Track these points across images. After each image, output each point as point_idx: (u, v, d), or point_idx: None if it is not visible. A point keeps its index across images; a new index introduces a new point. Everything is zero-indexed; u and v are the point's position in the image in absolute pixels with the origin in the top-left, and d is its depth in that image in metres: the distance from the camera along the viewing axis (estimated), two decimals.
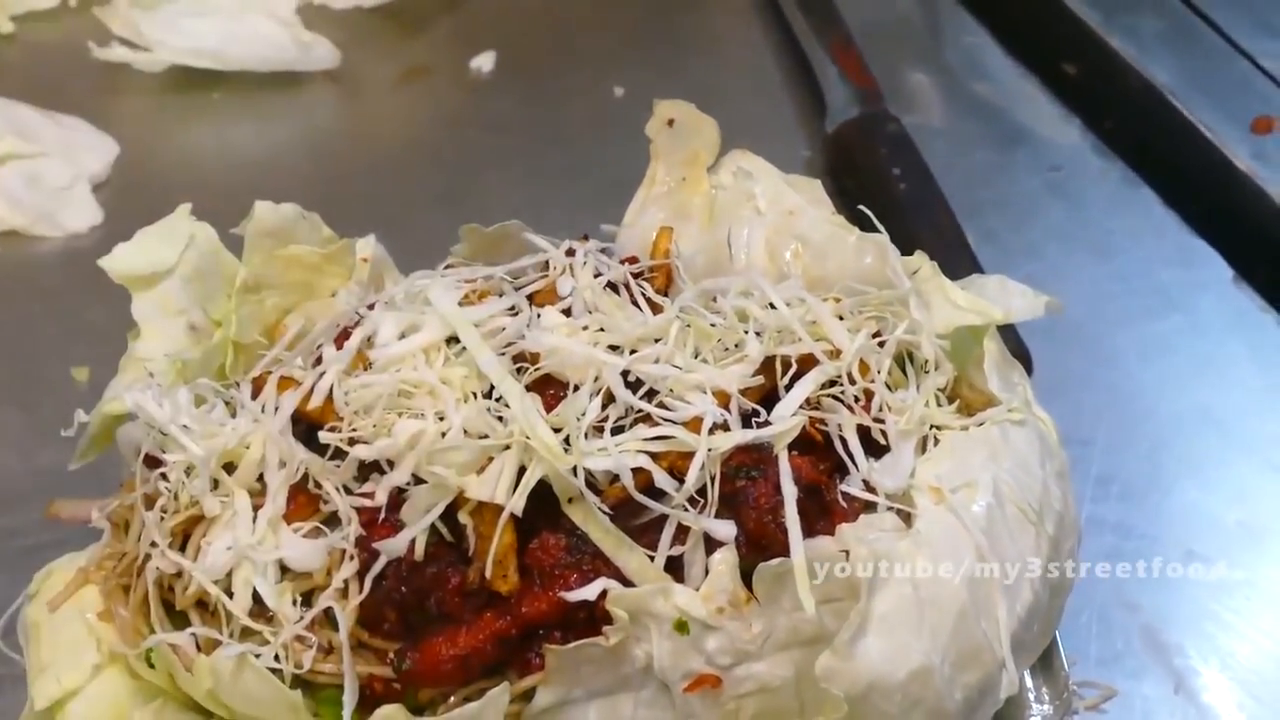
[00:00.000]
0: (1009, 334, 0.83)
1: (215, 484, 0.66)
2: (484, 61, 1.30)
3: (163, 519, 0.66)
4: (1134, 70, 1.18)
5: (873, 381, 0.67)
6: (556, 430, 0.62)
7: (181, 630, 0.64)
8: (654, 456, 0.62)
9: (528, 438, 0.62)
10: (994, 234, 1.06)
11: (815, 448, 0.65)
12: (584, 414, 0.63)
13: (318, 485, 0.65)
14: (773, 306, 0.69)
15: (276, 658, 0.62)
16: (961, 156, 1.15)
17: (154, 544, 0.65)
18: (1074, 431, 0.77)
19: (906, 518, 0.64)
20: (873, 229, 0.76)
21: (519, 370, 0.66)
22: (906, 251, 0.76)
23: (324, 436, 0.65)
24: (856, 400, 0.67)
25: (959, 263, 0.93)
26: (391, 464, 0.63)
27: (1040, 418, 0.73)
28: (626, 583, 0.61)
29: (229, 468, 0.66)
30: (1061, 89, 1.23)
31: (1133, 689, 0.79)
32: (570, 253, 0.73)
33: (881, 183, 1.04)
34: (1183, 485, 0.90)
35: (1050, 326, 0.79)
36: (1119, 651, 0.80)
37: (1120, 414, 0.95)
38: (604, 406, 0.64)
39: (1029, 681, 0.76)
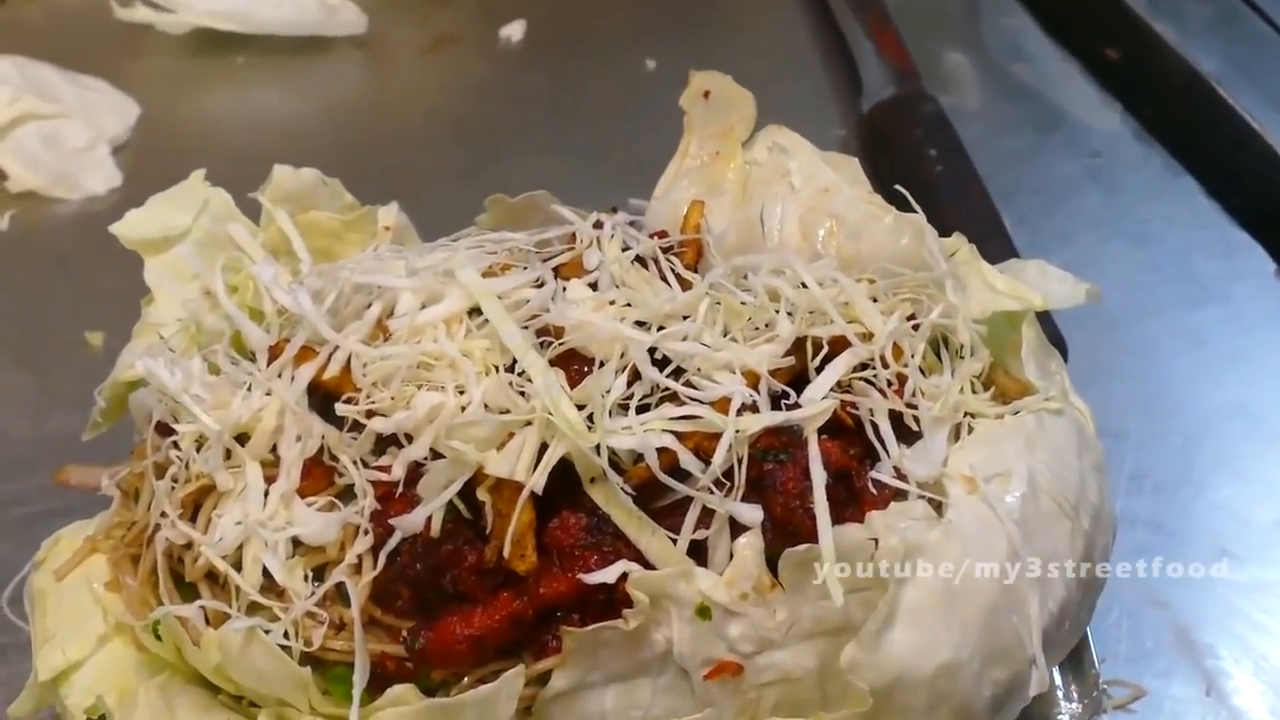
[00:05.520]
0: (1045, 321, 0.81)
1: (228, 453, 0.64)
2: (514, 30, 1.29)
3: (173, 488, 0.65)
4: (1178, 56, 1.15)
5: (906, 366, 0.66)
6: (580, 407, 0.61)
7: (190, 602, 0.63)
8: (680, 437, 0.61)
9: (550, 414, 0.60)
10: (1028, 218, 1.05)
11: (845, 432, 0.64)
12: (609, 391, 0.62)
13: (333, 458, 0.64)
14: (805, 286, 0.67)
15: (286, 634, 0.61)
16: (998, 139, 1.14)
17: (164, 514, 0.64)
18: (1106, 423, 0.75)
19: (938, 507, 0.62)
20: (909, 209, 0.74)
21: (543, 344, 0.64)
22: (942, 234, 0.74)
23: (341, 409, 0.63)
24: (889, 384, 0.65)
25: (994, 247, 0.91)
26: (410, 438, 0.62)
27: (1078, 408, 0.71)
28: (647, 565, 0.60)
29: (242, 438, 0.65)
30: (1102, 73, 1.21)
31: (1162, 689, 0.77)
32: (598, 225, 0.71)
33: (917, 163, 1.03)
34: (1216, 482, 0.88)
35: (1083, 314, 0.77)
36: (1149, 650, 0.79)
37: (1154, 406, 0.93)
38: (629, 384, 0.62)
39: (1058, 679, 0.74)
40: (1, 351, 0.97)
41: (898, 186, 0.74)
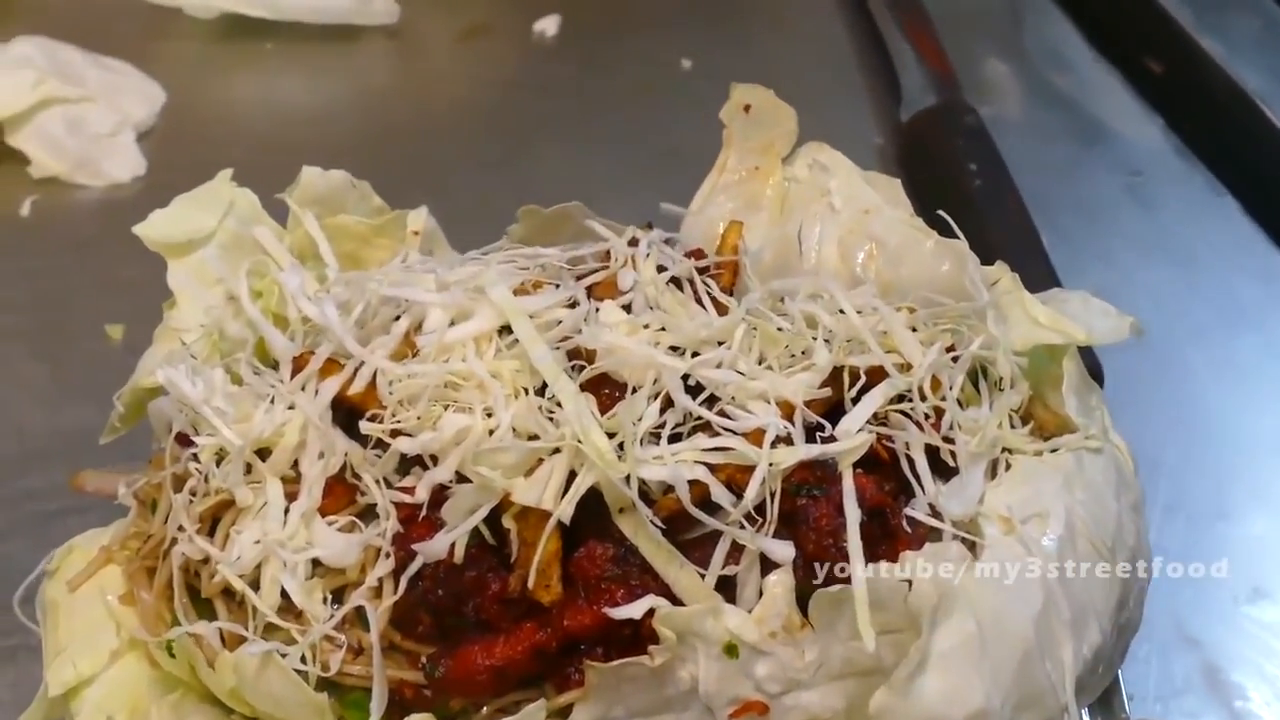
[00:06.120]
0: (1083, 348, 0.79)
1: (248, 468, 0.63)
2: (548, 24, 1.27)
3: (191, 502, 0.64)
4: (1222, 72, 1.13)
5: (944, 399, 0.64)
6: (610, 435, 0.59)
7: (206, 618, 0.62)
8: (712, 468, 0.59)
9: (580, 441, 0.59)
10: (1067, 235, 1.03)
11: (880, 466, 0.62)
12: (640, 419, 0.60)
13: (355, 476, 0.63)
14: (843, 313, 0.66)
15: (303, 658, 0.60)
16: (1037, 151, 1.12)
17: (181, 528, 0.63)
18: (1140, 452, 0.73)
19: (973, 547, 0.61)
20: (950, 233, 0.72)
21: (574, 367, 0.63)
22: (979, 251, 0.72)
23: (365, 428, 0.62)
24: (926, 417, 0.63)
25: (1032, 266, 0.90)
26: (435, 459, 0.61)
27: (1117, 445, 0.70)
28: (674, 599, 0.58)
29: (263, 452, 0.64)
30: (1145, 86, 1.19)
31: None
32: (633, 243, 0.70)
33: (956, 176, 1.01)
34: (1252, 516, 0.87)
35: None
36: (1178, 689, 0.77)
37: (1189, 436, 0.91)
38: (661, 411, 0.61)
39: None
40: (19, 342, 0.96)
41: (941, 212, 0.72)
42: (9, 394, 0.92)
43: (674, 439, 0.60)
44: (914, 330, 0.66)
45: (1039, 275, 0.88)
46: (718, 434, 0.60)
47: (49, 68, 1.11)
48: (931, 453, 0.63)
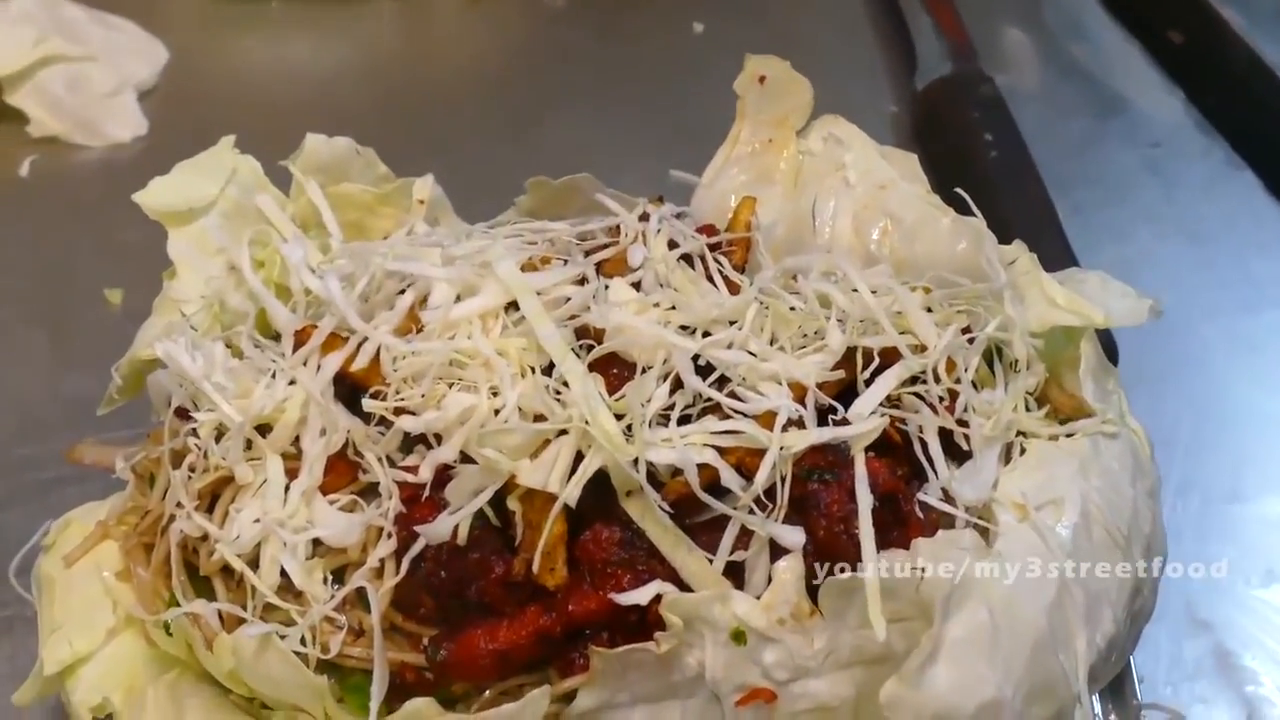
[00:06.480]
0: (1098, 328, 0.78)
1: (248, 444, 0.62)
2: None
3: (190, 478, 0.62)
4: (1244, 44, 1.12)
5: (958, 381, 0.63)
6: (619, 416, 0.58)
7: (204, 596, 0.61)
8: (721, 451, 0.58)
9: (587, 423, 0.58)
10: (1082, 209, 1.02)
11: (893, 449, 0.61)
12: (649, 400, 0.59)
13: (358, 454, 0.61)
14: (857, 292, 0.64)
15: (303, 639, 0.59)
16: (1054, 123, 1.11)
17: (179, 504, 0.62)
18: (1154, 431, 0.72)
19: (985, 534, 0.60)
20: (967, 210, 0.71)
21: (582, 346, 0.62)
22: (993, 223, 0.71)
23: (368, 405, 0.61)
24: (940, 400, 0.62)
25: (1048, 241, 0.89)
26: (439, 438, 0.59)
27: (1134, 429, 0.69)
28: (681, 584, 0.57)
29: (263, 428, 0.62)
30: (1166, 58, 1.18)
31: (1202, 715, 0.75)
32: (644, 217, 0.68)
33: (972, 147, 1.00)
34: (1266, 498, 0.86)
35: None
36: (1190, 673, 0.77)
37: (1204, 415, 0.90)
38: (671, 393, 0.60)
39: (1097, 707, 0.72)
40: (17, 306, 0.94)
41: (959, 190, 0.71)
42: (6, 360, 0.91)
43: (683, 421, 0.59)
44: (929, 311, 0.65)
45: (1054, 250, 0.87)
46: (728, 416, 0.59)
47: (50, 25, 1.09)
48: (945, 436, 0.62)
